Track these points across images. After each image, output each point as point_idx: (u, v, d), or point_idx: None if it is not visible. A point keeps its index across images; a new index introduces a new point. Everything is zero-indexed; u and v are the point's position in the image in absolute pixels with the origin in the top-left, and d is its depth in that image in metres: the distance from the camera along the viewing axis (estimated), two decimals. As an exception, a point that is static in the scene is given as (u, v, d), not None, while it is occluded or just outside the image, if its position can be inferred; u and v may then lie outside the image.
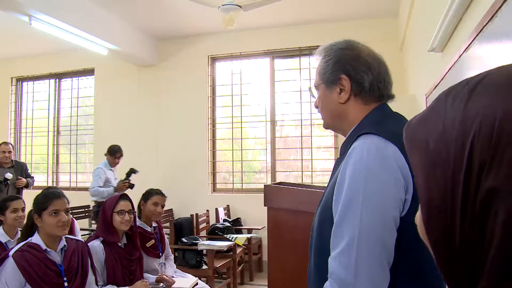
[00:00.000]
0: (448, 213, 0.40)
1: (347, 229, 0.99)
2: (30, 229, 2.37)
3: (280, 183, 4.05)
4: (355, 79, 1.17)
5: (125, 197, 2.90)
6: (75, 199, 6.57)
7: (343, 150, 1.18)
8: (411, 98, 4.33)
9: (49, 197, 2.35)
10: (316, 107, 1.29)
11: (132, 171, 5.34)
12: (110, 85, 6.93)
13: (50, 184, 7.35)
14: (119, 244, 2.82)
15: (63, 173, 7.45)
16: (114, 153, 5.43)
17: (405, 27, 4.57)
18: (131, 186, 5.34)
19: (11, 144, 5.36)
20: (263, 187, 5.91)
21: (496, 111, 0.38)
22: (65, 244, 2.40)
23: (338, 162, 1.20)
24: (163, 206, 3.38)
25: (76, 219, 5.82)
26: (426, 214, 0.44)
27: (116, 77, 6.87)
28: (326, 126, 1.29)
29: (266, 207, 3.64)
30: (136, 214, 3.31)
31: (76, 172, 7.30)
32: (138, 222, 3.27)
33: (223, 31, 5.98)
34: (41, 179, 7.49)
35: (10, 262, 2.18)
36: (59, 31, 4.90)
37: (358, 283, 0.96)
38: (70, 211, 5.57)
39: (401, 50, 5.40)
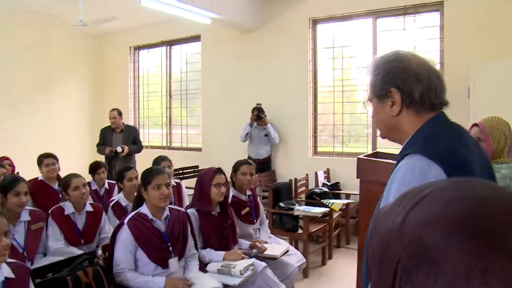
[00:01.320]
0: None
1: None
2: (139, 200, 2.75)
3: (376, 154, 4.01)
4: (405, 91, 1.18)
5: (220, 171, 3.16)
6: (186, 159, 7.25)
7: (400, 156, 1.20)
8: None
9: (153, 173, 2.68)
10: (373, 118, 1.32)
11: (258, 109, 6.28)
12: (215, 51, 7.29)
13: (164, 145, 8.11)
14: (213, 213, 3.11)
15: (176, 134, 8.13)
16: (252, 112, 6.30)
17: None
18: (259, 117, 6.21)
19: (118, 110, 5.99)
20: (364, 151, 5.90)
21: (421, 235, 0.45)
22: (168, 214, 2.75)
23: (397, 162, 1.22)
24: (252, 174, 3.57)
25: (186, 178, 6.46)
26: None
27: (221, 43, 7.19)
28: (383, 137, 1.32)
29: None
30: (230, 185, 3.60)
31: (187, 134, 7.92)
32: (234, 192, 3.54)
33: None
34: (157, 139, 8.31)
35: (125, 229, 2.58)
36: (166, 6, 5.27)
37: None
38: (181, 171, 6.19)
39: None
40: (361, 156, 3.85)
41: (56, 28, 7.79)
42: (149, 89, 8.42)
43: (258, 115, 6.24)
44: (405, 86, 1.17)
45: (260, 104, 6.33)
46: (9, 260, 2.03)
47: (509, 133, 2.38)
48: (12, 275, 1.98)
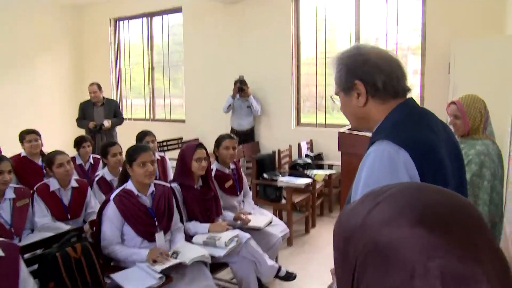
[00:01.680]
0: None
1: None
2: (124, 176, 2.79)
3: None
4: (368, 82, 1.23)
5: (201, 146, 3.20)
6: (169, 131, 7.25)
7: (370, 143, 1.24)
8: (507, 39, 3.95)
9: (138, 150, 2.71)
10: (343, 111, 1.37)
11: (240, 81, 6.30)
12: (197, 23, 7.19)
13: (147, 117, 8.07)
14: (195, 186, 3.18)
15: (159, 106, 8.09)
16: (234, 84, 6.32)
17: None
18: (241, 89, 6.26)
19: (97, 84, 5.92)
20: (346, 122, 5.95)
21: (377, 233, 0.51)
22: (154, 189, 2.79)
23: (367, 148, 1.26)
24: (234, 148, 3.61)
25: (170, 150, 6.48)
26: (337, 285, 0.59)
27: (203, 15, 7.09)
28: (354, 128, 1.38)
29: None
30: (214, 158, 3.65)
31: (170, 105, 7.88)
32: (217, 166, 3.60)
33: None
34: (140, 111, 8.26)
35: (111, 205, 2.64)
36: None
37: None
38: (165, 143, 6.23)
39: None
40: (342, 130, 3.94)
41: (32, 2, 7.58)
42: (131, 61, 8.30)
43: (240, 87, 6.26)
44: (367, 77, 1.23)
45: (242, 76, 6.33)
46: (-2, 239, 2.07)
47: (484, 110, 2.46)
48: (2, 253, 2.02)
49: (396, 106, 1.24)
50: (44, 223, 2.97)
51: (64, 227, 2.97)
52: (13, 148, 4.30)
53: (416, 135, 1.16)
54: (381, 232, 0.51)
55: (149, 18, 7.90)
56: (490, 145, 2.43)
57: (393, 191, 0.56)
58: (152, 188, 2.79)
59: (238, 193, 3.67)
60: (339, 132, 3.79)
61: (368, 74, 1.23)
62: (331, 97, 1.41)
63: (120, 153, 3.64)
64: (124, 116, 7.70)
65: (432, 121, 1.26)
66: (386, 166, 1.10)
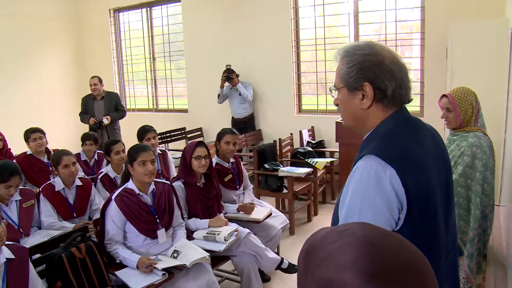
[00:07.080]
0: None
1: None
2: (127, 176, 2.87)
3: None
4: (378, 87, 1.20)
5: (202, 144, 3.26)
6: (172, 121, 7.30)
7: (360, 150, 1.26)
8: (504, 23, 3.92)
9: (138, 150, 2.78)
10: (336, 105, 1.33)
11: (227, 70, 6.36)
12: (196, 11, 7.19)
13: (150, 107, 8.12)
14: (198, 184, 3.25)
15: (162, 97, 8.13)
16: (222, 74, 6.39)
17: None
18: (229, 78, 6.32)
19: (98, 77, 5.96)
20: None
21: (332, 275, 0.58)
22: (154, 187, 2.87)
23: (355, 159, 1.27)
24: (235, 144, 3.66)
25: (173, 141, 6.55)
26: None
27: (202, 3, 7.07)
28: (346, 125, 1.36)
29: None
30: (214, 152, 3.71)
31: (173, 96, 7.93)
32: (217, 159, 3.67)
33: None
34: (144, 103, 8.31)
35: (113, 205, 2.72)
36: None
37: None
38: (168, 134, 6.28)
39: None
40: (339, 120, 3.97)
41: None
42: (132, 52, 8.30)
43: (228, 76, 6.32)
44: (379, 81, 1.19)
45: (229, 65, 6.40)
46: (8, 242, 2.16)
47: (475, 103, 2.50)
48: (12, 256, 2.13)
49: (390, 113, 1.23)
50: (50, 223, 3.07)
51: (68, 225, 3.08)
52: (18, 145, 4.37)
53: (403, 149, 1.17)
54: (339, 274, 0.56)
55: (148, 8, 7.89)
56: (482, 137, 2.47)
57: (358, 234, 0.61)
58: (152, 186, 2.87)
59: (238, 187, 3.73)
60: (337, 122, 3.82)
61: (379, 78, 1.19)
62: (330, 89, 1.34)
63: (123, 151, 3.72)
64: (128, 108, 7.81)
65: (421, 132, 1.26)
66: (373, 182, 1.13)
